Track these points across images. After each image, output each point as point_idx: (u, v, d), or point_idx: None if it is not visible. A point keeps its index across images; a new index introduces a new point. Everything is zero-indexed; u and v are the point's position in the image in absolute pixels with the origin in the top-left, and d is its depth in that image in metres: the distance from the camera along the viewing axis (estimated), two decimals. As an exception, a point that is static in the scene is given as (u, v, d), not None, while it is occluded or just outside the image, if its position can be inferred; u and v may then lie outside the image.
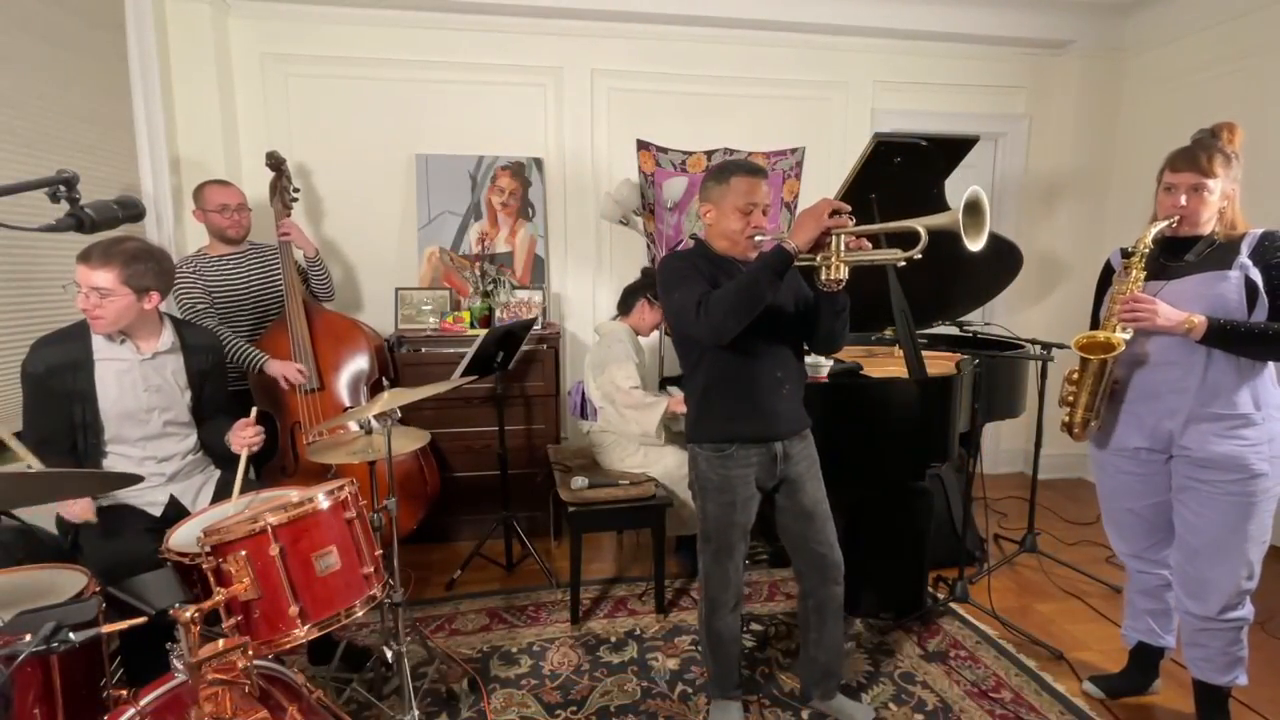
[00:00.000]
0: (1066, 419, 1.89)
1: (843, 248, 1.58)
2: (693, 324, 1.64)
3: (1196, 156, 1.64)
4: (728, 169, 1.73)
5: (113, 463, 1.86)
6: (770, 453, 1.78)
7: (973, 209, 1.45)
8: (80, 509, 1.72)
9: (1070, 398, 1.87)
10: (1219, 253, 1.68)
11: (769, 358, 1.76)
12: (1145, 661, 2.05)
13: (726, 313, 1.59)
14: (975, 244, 1.46)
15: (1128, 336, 1.71)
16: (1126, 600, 2.04)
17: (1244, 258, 1.63)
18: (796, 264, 1.58)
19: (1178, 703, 2.02)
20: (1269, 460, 1.65)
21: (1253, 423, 1.65)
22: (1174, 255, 1.74)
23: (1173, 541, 1.85)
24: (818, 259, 1.61)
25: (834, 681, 1.95)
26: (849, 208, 1.55)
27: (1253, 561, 1.70)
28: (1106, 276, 1.91)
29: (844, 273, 1.60)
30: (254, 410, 1.89)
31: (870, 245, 1.62)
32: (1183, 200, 1.66)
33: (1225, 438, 1.66)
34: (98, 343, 1.84)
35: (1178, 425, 1.72)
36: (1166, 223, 1.68)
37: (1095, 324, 1.91)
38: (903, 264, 1.53)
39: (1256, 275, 1.62)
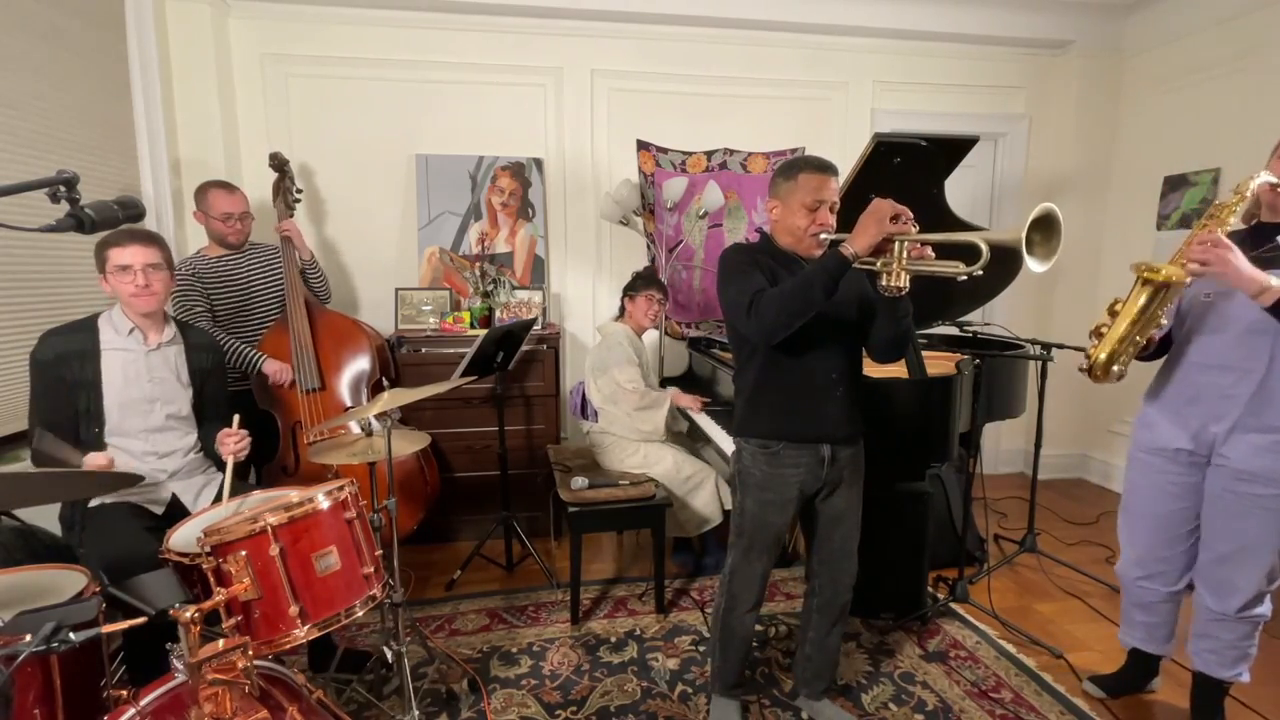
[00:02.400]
0: (1090, 353, 1.68)
1: (905, 255, 1.46)
2: (743, 322, 1.60)
3: None
4: (796, 165, 1.65)
5: (114, 455, 1.86)
6: (817, 455, 1.73)
7: (1042, 225, 1.30)
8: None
9: (1104, 328, 1.67)
10: None
11: (824, 359, 1.71)
12: (1144, 661, 2.04)
13: (777, 314, 1.54)
14: (1040, 265, 1.31)
15: (1188, 283, 1.56)
16: (1122, 609, 2.02)
17: None
18: (857, 267, 1.50)
19: (1178, 701, 2.02)
20: None
21: None
22: (1254, 244, 1.57)
23: (1178, 552, 1.82)
24: (878, 264, 1.50)
25: (822, 685, 1.96)
26: (910, 213, 1.45)
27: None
28: None
29: (905, 280, 1.47)
30: (236, 418, 1.86)
31: (933, 254, 1.47)
32: None
33: (1273, 452, 1.59)
34: (105, 334, 1.88)
35: (1222, 431, 1.65)
36: (1277, 179, 1.52)
37: None
38: (964, 278, 1.40)
39: None
